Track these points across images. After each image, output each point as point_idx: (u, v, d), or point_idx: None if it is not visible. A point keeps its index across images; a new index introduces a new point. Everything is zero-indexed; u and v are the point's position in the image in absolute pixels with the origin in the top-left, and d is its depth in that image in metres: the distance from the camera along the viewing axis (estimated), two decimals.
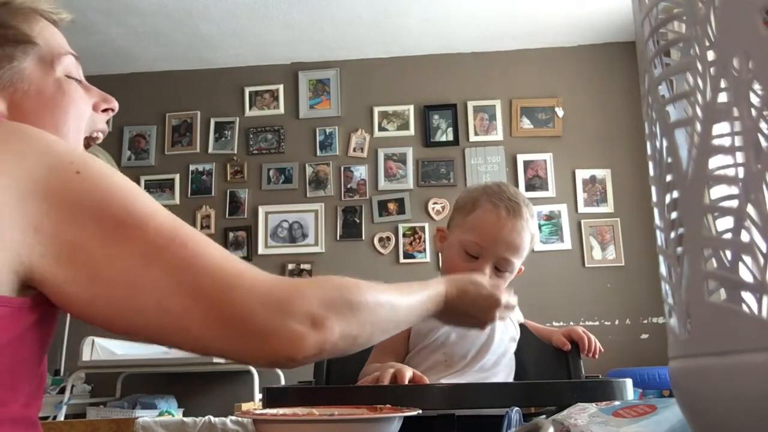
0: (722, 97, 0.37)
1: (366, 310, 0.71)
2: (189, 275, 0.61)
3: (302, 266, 3.78)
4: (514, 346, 1.27)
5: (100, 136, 0.85)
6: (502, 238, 1.16)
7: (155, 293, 0.60)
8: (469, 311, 0.94)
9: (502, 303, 0.97)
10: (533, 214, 1.21)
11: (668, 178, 0.42)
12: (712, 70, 0.37)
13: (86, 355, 3.03)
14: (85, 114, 0.82)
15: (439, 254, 1.30)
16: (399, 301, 0.79)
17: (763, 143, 0.34)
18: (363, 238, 3.82)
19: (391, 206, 3.85)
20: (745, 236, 0.35)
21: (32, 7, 0.78)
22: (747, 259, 0.35)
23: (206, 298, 0.61)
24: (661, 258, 0.44)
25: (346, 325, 0.68)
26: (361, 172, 3.93)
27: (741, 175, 0.35)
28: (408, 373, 1.00)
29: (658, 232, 0.44)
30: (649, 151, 0.45)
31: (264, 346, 0.62)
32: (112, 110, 0.86)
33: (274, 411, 0.77)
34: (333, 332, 0.66)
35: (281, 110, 4.06)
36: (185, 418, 2.67)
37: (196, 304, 0.61)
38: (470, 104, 3.94)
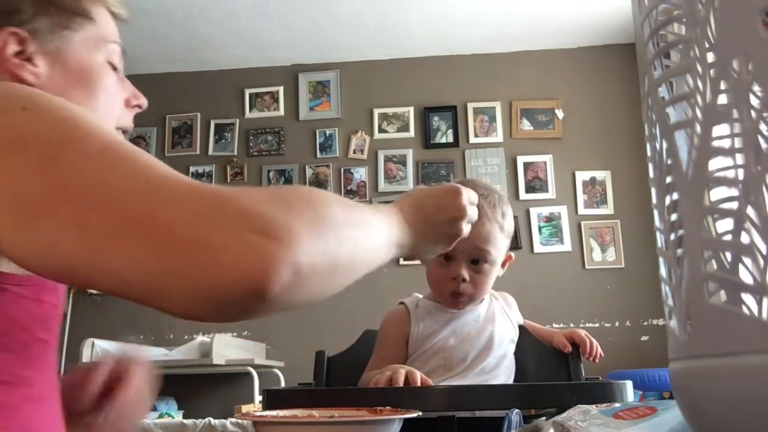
0: (722, 99, 0.37)
1: (337, 217, 0.56)
2: (100, 182, 0.50)
3: None
4: (513, 348, 1.27)
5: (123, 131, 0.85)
6: (468, 236, 1.17)
7: (71, 209, 0.49)
8: (432, 215, 0.77)
9: (463, 192, 0.81)
10: (495, 203, 1.21)
11: (668, 179, 0.42)
12: (711, 71, 0.37)
13: (86, 357, 3.03)
14: (116, 104, 0.82)
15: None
16: (365, 213, 0.63)
17: (763, 145, 0.34)
18: None
19: None
20: (745, 238, 0.35)
21: None
22: (747, 260, 0.35)
23: (125, 208, 0.49)
24: (661, 260, 0.44)
25: (318, 236, 0.52)
26: (361, 173, 3.93)
27: (741, 176, 0.35)
28: (418, 375, 1.00)
29: (658, 234, 0.44)
30: (649, 153, 0.45)
31: (209, 267, 0.47)
32: (140, 107, 0.86)
33: (274, 413, 0.77)
34: (304, 242, 0.50)
35: (281, 112, 4.06)
36: (185, 420, 2.67)
37: (114, 218, 0.49)
38: (470, 106, 3.94)
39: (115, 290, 0.51)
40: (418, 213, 0.75)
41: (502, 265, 1.27)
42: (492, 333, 1.23)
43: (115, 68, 0.82)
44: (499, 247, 1.22)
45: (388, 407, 0.77)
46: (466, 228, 0.82)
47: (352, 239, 0.57)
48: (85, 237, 0.49)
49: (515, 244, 3.74)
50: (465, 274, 1.18)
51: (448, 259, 1.19)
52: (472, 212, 0.83)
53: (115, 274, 0.49)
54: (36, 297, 0.66)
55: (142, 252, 0.47)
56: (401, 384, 0.98)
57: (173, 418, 2.99)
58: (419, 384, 0.98)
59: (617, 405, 0.63)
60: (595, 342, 1.28)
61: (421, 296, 1.31)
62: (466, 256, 1.18)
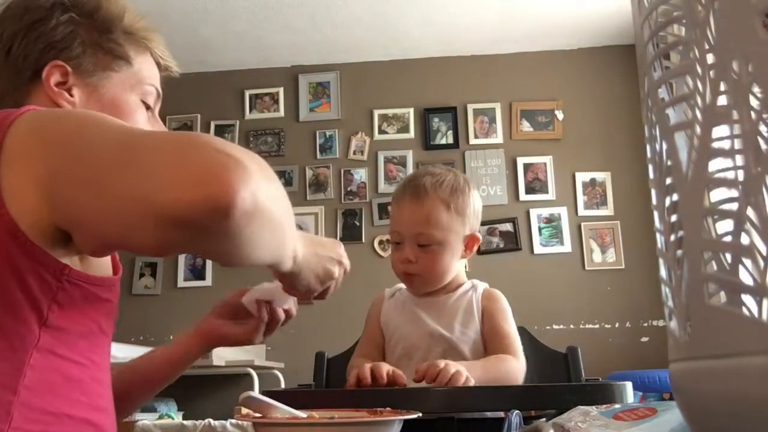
0: (722, 100, 0.37)
1: (277, 182, 0.65)
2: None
3: None
4: (477, 338, 1.22)
5: None
6: (408, 220, 1.22)
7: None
8: (317, 249, 0.84)
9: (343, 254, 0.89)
10: (443, 182, 1.22)
11: (668, 180, 0.42)
12: (711, 73, 0.37)
13: None
14: None
15: None
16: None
17: (763, 146, 0.34)
18: (363, 240, 3.82)
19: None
20: (744, 239, 0.35)
21: (146, 42, 0.94)
22: (747, 261, 0.35)
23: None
24: (661, 261, 0.44)
25: (267, 182, 0.61)
26: (361, 174, 3.93)
27: (741, 177, 0.35)
28: (384, 369, 1.03)
29: (658, 235, 0.44)
30: (648, 154, 0.45)
31: (187, 176, 0.57)
32: None
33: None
34: (258, 179, 0.59)
35: (281, 113, 4.06)
36: (185, 421, 2.67)
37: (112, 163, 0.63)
38: (470, 107, 3.94)
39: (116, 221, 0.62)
40: (306, 240, 0.82)
41: (468, 248, 1.24)
42: (451, 324, 1.21)
43: (148, 107, 0.92)
44: (447, 226, 1.20)
45: (388, 408, 0.77)
46: (339, 273, 0.89)
47: (285, 204, 0.67)
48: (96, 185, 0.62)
49: (515, 246, 3.74)
50: (411, 255, 1.21)
51: (399, 245, 1.22)
52: (347, 262, 0.90)
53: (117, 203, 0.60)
54: (104, 295, 0.76)
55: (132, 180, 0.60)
56: (368, 380, 1.01)
57: (173, 419, 2.99)
58: (384, 377, 1.01)
59: (617, 406, 0.63)
60: (440, 372, 1.04)
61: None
62: (412, 239, 1.22)
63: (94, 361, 0.76)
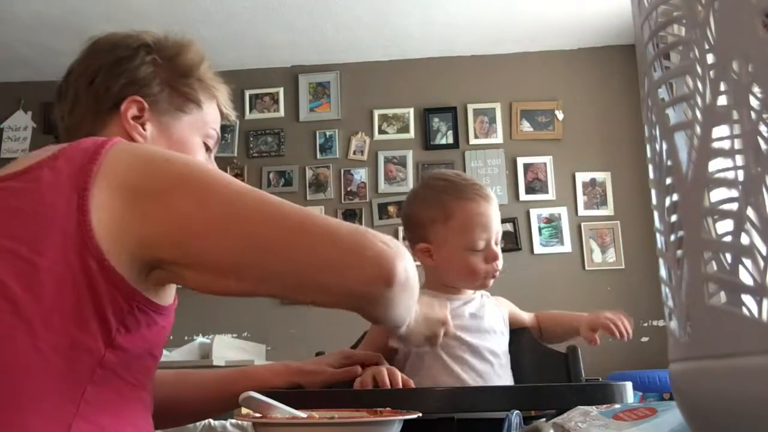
0: (722, 100, 0.37)
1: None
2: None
3: None
4: (504, 341, 1.27)
5: None
6: (494, 219, 1.26)
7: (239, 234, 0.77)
8: (427, 312, 0.98)
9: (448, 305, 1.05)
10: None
11: (668, 180, 0.42)
12: (711, 73, 0.37)
13: None
14: None
15: (428, 270, 1.30)
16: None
17: (763, 146, 0.34)
18: None
19: (392, 209, 3.85)
20: (744, 239, 0.35)
21: (214, 91, 1.03)
22: (747, 261, 0.35)
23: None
24: (661, 261, 0.44)
25: (410, 260, 0.78)
26: (361, 174, 3.93)
27: (741, 178, 0.35)
28: (398, 375, 1.03)
29: (657, 235, 0.44)
30: (648, 154, 0.45)
31: (365, 260, 0.74)
32: None
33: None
34: (407, 259, 0.76)
35: (281, 113, 4.06)
36: None
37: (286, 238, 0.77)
38: (470, 107, 3.94)
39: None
40: (419, 302, 0.93)
41: None
42: (482, 323, 1.24)
43: (208, 148, 0.99)
44: None
45: (388, 408, 0.77)
46: (441, 333, 1.02)
47: (417, 276, 0.82)
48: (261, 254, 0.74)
49: (515, 245, 3.74)
50: (498, 254, 1.26)
51: (476, 250, 1.23)
52: (450, 322, 1.04)
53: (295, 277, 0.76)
54: (161, 323, 0.80)
55: (319, 257, 0.75)
56: (388, 385, 1.00)
57: None
58: (400, 384, 1.01)
59: (617, 406, 0.63)
60: (620, 321, 1.28)
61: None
62: (494, 240, 1.25)
63: (141, 382, 0.80)
